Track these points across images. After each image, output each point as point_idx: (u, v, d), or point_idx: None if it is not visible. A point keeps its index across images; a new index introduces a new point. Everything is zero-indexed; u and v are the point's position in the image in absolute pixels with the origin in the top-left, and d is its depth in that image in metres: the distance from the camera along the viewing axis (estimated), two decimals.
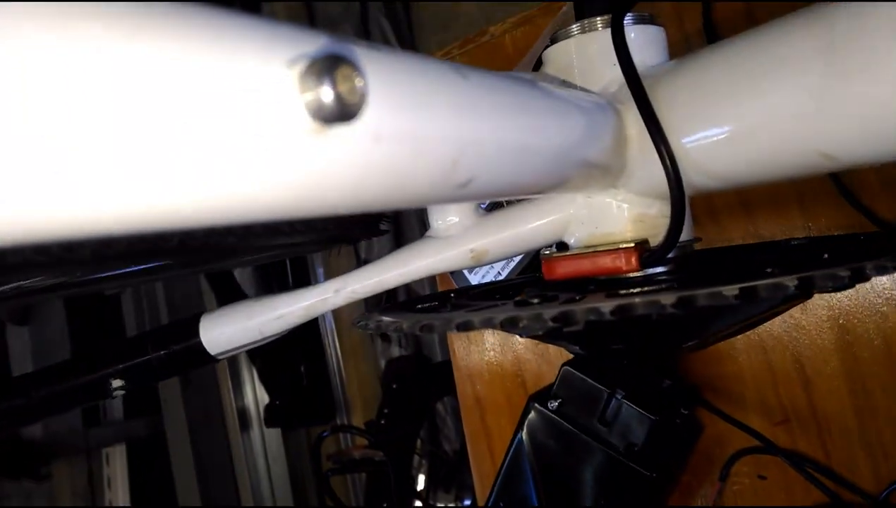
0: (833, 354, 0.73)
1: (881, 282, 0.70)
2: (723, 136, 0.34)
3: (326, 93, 0.17)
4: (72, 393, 0.46)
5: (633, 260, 0.38)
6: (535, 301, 0.35)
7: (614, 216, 0.41)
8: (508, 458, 0.81)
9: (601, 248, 0.40)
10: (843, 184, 0.71)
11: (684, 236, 0.43)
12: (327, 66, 0.17)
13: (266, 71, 0.17)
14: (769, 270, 0.31)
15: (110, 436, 1.98)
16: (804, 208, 0.74)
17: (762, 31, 0.33)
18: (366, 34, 2.05)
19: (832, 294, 0.72)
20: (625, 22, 0.41)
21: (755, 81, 0.32)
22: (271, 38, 0.17)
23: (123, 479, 1.93)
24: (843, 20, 0.28)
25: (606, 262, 0.39)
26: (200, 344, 0.45)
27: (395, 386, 1.76)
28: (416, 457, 1.80)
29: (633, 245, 0.39)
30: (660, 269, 0.42)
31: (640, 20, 0.42)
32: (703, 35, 0.77)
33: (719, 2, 0.77)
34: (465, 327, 0.32)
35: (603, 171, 0.38)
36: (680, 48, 0.66)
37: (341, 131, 0.18)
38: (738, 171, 0.35)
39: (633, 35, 0.41)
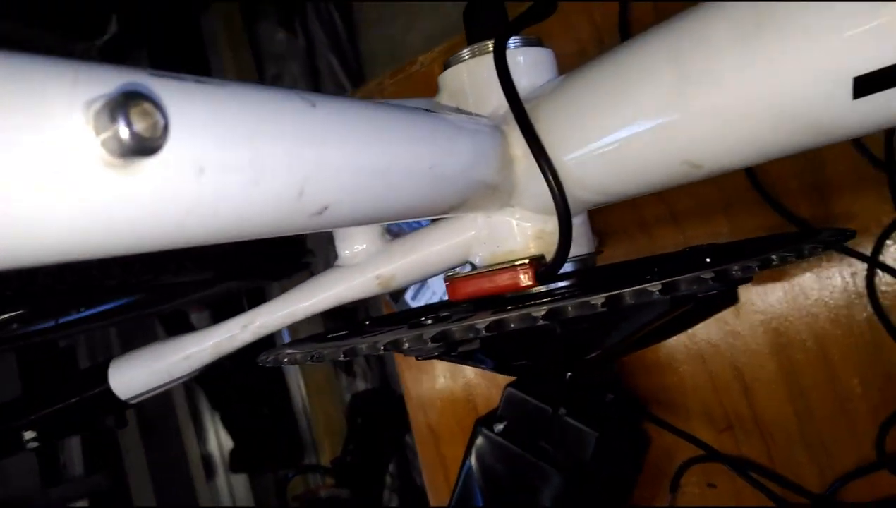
0: (769, 359, 0.74)
1: (810, 285, 0.72)
2: (596, 152, 0.35)
3: (123, 131, 0.17)
4: None
5: (528, 275, 0.39)
6: (429, 322, 0.35)
7: (514, 234, 0.42)
8: (459, 485, 0.81)
9: (499, 266, 0.40)
10: (764, 190, 0.73)
11: (583, 250, 0.43)
12: (121, 104, 0.17)
13: (65, 113, 0.17)
14: (648, 277, 0.32)
15: (71, 493, 1.92)
16: (729, 215, 0.76)
17: (623, 47, 0.33)
18: (313, 69, 2.07)
19: (764, 298, 0.74)
20: (512, 45, 0.42)
21: (616, 96, 0.33)
22: (71, 81, 0.17)
23: None
24: (687, 28, 0.29)
25: (504, 279, 0.39)
26: (110, 390, 0.44)
27: (359, 421, 1.74)
28: (387, 492, 1.78)
29: (527, 261, 0.39)
30: (563, 284, 0.42)
31: (527, 43, 0.43)
32: (619, 35, 0.78)
33: (636, 1, 0.78)
34: (351, 353, 0.32)
35: (493, 191, 0.38)
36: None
37: (149, 165, 0.18)
38: (615, 184, 0.36)
39: (520, 58, 0.42)
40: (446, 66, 0.44)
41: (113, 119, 0.17)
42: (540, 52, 0.43)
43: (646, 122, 0.32)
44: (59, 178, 0.17)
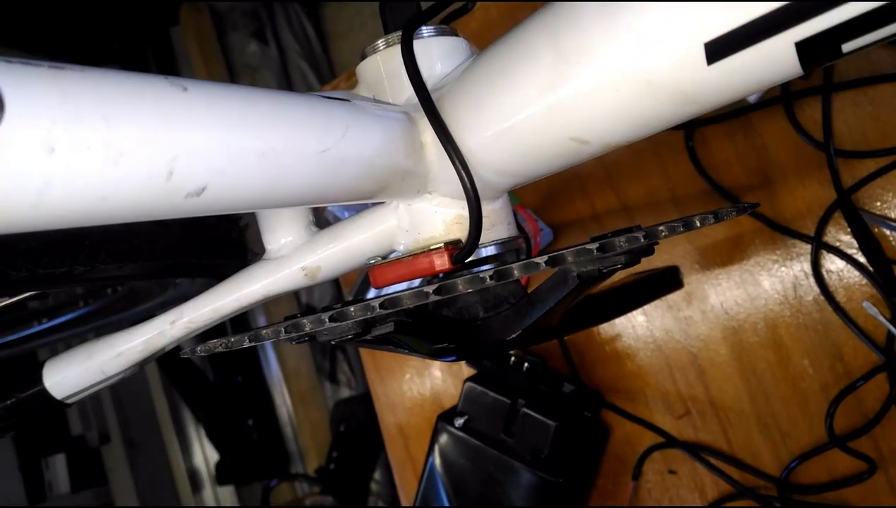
0: (722, 343, 0.75)
1: (758, 269, 0.72)
2: (496, 134, 0.35)
3: None
4: None
5: (444, 259, 0.39)
6: (337, 308, 0.35)
7: (434, 221, 0.42)
8: (423, 481, 0.81)
9: (417, 252, 0.41)
10: (708, 176, 0.74)
11: (503, 233, 0.44)
12: None
13: None
14: (545, 257, 0.33)
15: None
16: (677, 203, 0.77)
17: (510, 32, 0.34)
18: (286, 78, 2.07)
19: (715, 284, 0.74)
20: (424, 35, 0.43)
21: (507, 79, 0.33)
22: None
23: None
24: (560, 8, 0.30)
25: (421, 264, 0.40)
26: (45, 390, 0.45)
27: (342, 429, 1.75)
28: (372, 498, 1.78)
29: (442, 245, 0.40)
30: (487, 267, 0.43)
31: (440, 32, 0.44)
32: None
33: None
34: (255, 338, 0.32)
35: (408, 177, 0.39)
36: None
37: None
38: (517, 165, 0.37)
39: (433, 47, 0.43)
40: (363, 58, 0.44)
41: None
42: (453, 41, 0.43)
43: (534, 102, 0.32)
44: None
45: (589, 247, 0.30)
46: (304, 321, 0.32)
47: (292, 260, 0.44)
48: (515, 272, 0.31)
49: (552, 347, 0.84)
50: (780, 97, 0.70)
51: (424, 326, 0.38)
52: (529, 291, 0.42)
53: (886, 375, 0.67)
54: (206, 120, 0.26)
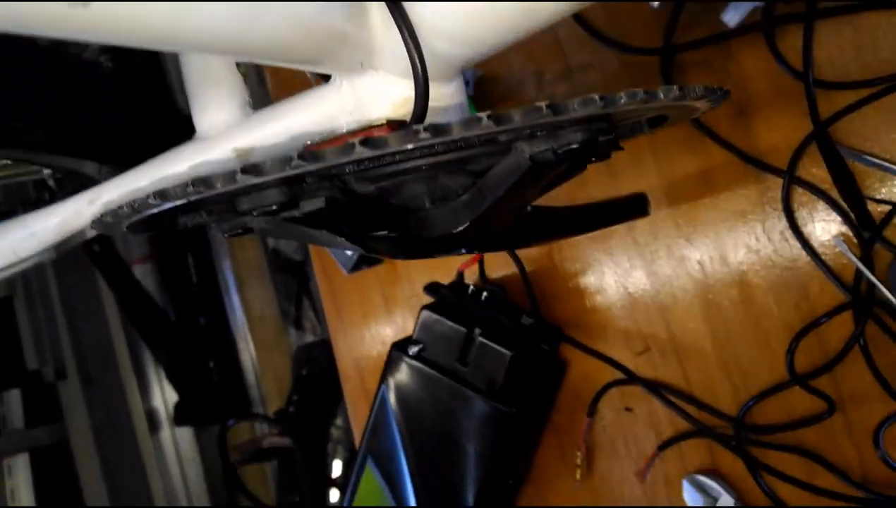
0: (686, 279, 0.73)
1: (727, 200, 0.70)
2: None
3: None
4: None
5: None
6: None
7: (378, 101, 0.39)
8: (374, 410, 0.79)
9: (356, 130, 0.37)
10: None
11: (457, 118, 0.41)
12: None
13: None
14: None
15: (11, 446, 1.88)
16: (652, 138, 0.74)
17: None
18: None
19: (681, 215, 0.72)
20: None
21: None
22: None
23: (28, 490, 1.84)
24: None
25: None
26: None
27: (304, 373, 1.72)
28: (331, 444, 1.76)
29: (384, 123, 0.36)
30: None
31: None
32: None
33: None
34: (161, 196, 0.29)
35: (345, 41, 0.35)
36: None
37: None
38: (477, 28, 0.33)
39: None
40: None
41: None
42: None
43: None
44: None
45: (539, 104, 0.27)
46: (215, 176, 0.28)
47: (223, 140, 0.41)
48: (454, 130, 0.27)
49: (513, 281, 0.81)
50: (761, 23, 0.67)
51: (360, 209, 0.35)
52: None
53: (851, 314, 0.65)
54: None
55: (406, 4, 0.34)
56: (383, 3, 0.35)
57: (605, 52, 0.74)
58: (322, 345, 1.85)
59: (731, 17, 0.67)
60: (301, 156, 0.27)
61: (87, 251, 1.74)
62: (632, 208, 0.66)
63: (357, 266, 0.88)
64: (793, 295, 0.68)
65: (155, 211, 0.31)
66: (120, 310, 2.00)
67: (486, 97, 0.84)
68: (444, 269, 0.87)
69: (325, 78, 0.58)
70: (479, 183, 0.37)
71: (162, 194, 0.29)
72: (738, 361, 0.71)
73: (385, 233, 0.38)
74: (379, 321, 0.95)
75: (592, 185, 0.75)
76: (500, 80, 0.81)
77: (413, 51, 0.34)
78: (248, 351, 2.02)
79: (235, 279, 2.02)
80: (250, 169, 0.27)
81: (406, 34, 0.34)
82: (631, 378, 0.75)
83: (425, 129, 0.27)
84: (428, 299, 0.80)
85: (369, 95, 0.39)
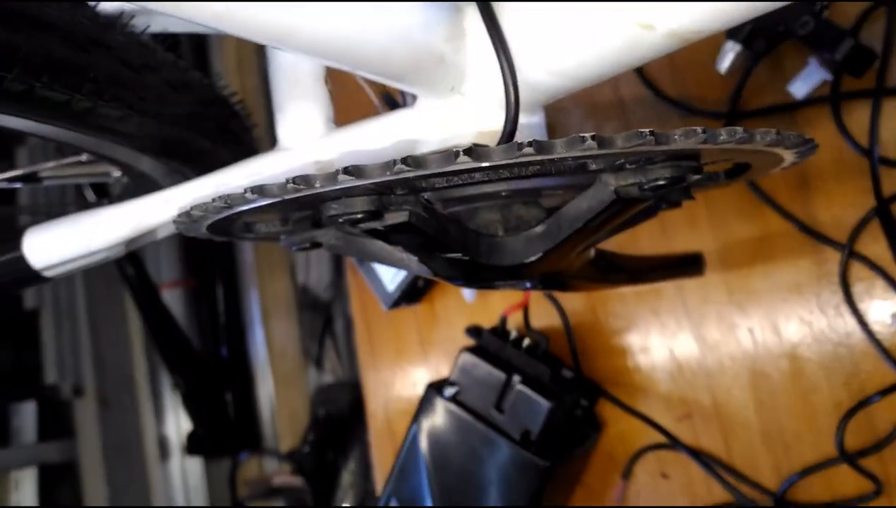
0: (735, 346, 0.72)
1: (782, 269, 0.69)
2: (551, 22, 0.32)
3: None
4: None
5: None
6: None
7: (462, 128, 0.40)
8: (403, 450, 0.77)
9: (440, 152, 0.37)
10: None
11: None
12: None
13: None
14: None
15: (20, 459, 1.86)
16: (709, 209, 0.73)
17: None
18: None
19: (734, 280, 0.71)
20: None
21: None
22: None
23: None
24: None
25: None
26: (23, 257, 0.41)
27: (322, 413, 1.70)
28: (342, 489, 1.73)
29: (471, 146, 0.37)
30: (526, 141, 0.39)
31: None
32: None
33: None
34: (259, 192, 0.29)
35: (441, 63, 0.36)
36: None
37: None
38: (570, 59, 0.34)
39: None
40: None
41: None
42: None
43: None
44: None
45: (642, 130, 0.27)
46: (315, 176, 0.28)
47: (307, 153, 0.41)
48: (557, 147, 0.27)
49: (556, 332, 0.80)
50: (829, 97, 0.67)
51: (440, 228, 0.35)
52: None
53: None
54: None
55: (506, 30, 0.35)
56: (483, 29, 0.35)
57: (668, 112, 0.74)
58: (342, 388, 1.84)
59: (799, 88, 0.68)
60: (404, 161, 0.27)
61: (119, 271, 1.75)
62: (688, 266, 0.66)
63: (397, 302, 0.88)
64: (844, 372, 0.67)
65: (246, 207, 0.32)
66: (144, 333, 2.00)
67: None
68: (484, 315, 0.86)
69: (392, 105, 0.59)
70: (558, 214, 0.37)
71: (260, 190, 0.29)
72: (782, 434, 0.69)
73: (456, 256, 0.38)
74: (412, 361, 0.94)
75: (645, 242, 0.75)
76: (559, 132, 0.82)
77: (508, 76, 0.34)
78: (266, 386, 2.00)
79: (261, 312, 2.02)
80: (353, 171, 0.28)
81: (503, 60, 0.34)
82: (671, 442, 0.73)
83: (529, 144, 0.27)
84: (466, 343, 0.79)
85: (454, 120, 0.40)
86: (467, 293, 0.87)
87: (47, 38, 0.30)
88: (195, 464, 2.02)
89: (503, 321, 0.76)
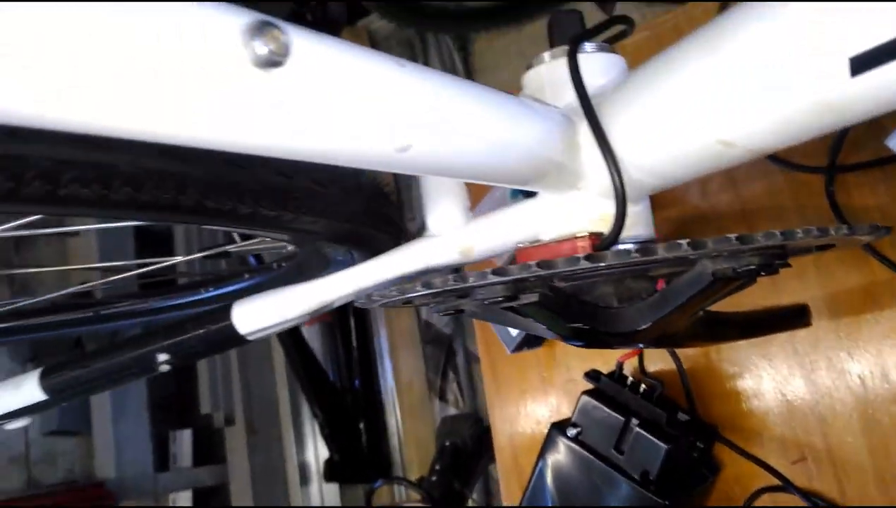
0: (846, 392, 0.75)
1: (891, 309, 0.72)
2: (647, 136, 0.40)
3: (259, 47, 0.25)
4: (124, 366, 0.55)
5: (586, 246, 0.44)
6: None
7: (578, 216, 0.47)
8: (530, 484, 0.85)
9: (561, 238, 0.46)
10: (836, 206, 0.74)
11: (642, 233, 0.48)
12: (259, 29, 0.25)
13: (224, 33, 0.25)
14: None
15: (178, 482, 2.07)
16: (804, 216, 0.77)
17: (672, 46, 0.39)
18: None
19: (843, 328, 0.74)
20: (586, 50, 0.48)
21: (661, 85, 0.38)
22: (234, 12, 0.25)
23: None
24: (724, 19, 0.35)
25: (566, 248, 0.45)
26: (232, 325, 0.53)
27: (447, 444, 1.80)
28: None
29: (587, 234, 0.45)
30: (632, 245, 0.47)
31: (600, 49, 0.49)
32: None
33: None
34: (427, 286, 0.39)
35: (561, 170, 0.44)
36: None
37: (276, 74, 0.26)
38: (664, 165, 0.41)
39: (592, 61, 0.48)
40: (528, 68, 0.51)
41: (254, 36, 0.25)
42: (611, 57, 0.49)
43: (686, 105, 0.37)
44: (217, 76, 0.25)
45: (729, 236, 0.34)
46: (469, 275, 0.37)
47: (451, 239, 0.51)
48: (660, 251, 0.35)
49: (670, 376, 0.86)
50: None
51: (564, 304, 0.43)
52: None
53: None
54: (421, 93, 0.33)
55: (613, 142, 0.43)
56: (592, 141, 0.44)
57: (770, 166, 0.79)
58: (465, 419, 1.93)
59: None
60: (539, 264, 0.36)
61: None
62: (794, 318, 0.70)
63: (519, 347, 0.96)
64: None
65: (416, 295, 0.41)
66: (287, 366, 2.18)
67: (654, 198, 0.91)
68: (600, 357, 0.93)
69: None
70: (665, 289, 0.44)
71: (427, 284, 0.39)
72: None
73: (578, 325, 0.46)
74: (535, 400, 1.01)
75: (756, 292, 0.79)
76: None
77: (617, 181, 0.42)
78: (394, 417, 2.13)
79: (389, 346, 2.15)
80: (499, 271, 0.37)
81: (612, 170, 0.42)
82: (786, 485, 0.77)
83: (636, 250, 0.35)
84: (584, 384, 0.86)
85: (571, 211, 0.48)
86: None
87: (264, 172, 0.41)
88: (332, 489, 2.17)
89: (620, 366, 0.83)
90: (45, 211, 0.34)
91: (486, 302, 0.41)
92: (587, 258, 0.35)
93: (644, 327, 0.45)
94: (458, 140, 0.35)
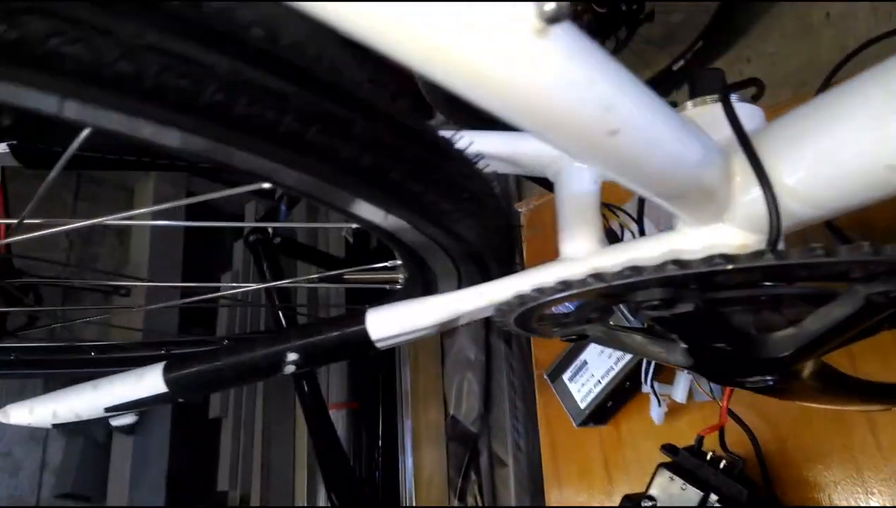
0: None
1: None
2: (809, 167, 0.43)
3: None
4: (251, 364, 0.55)
5: None
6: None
7: (721, 248, 0.50)
8: None
9: None
10: None
11: None
12: None
13: None
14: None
15: None
16: None
17: (836, 87, 0.43)
18: None
19: None
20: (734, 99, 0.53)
21: (828, 119, 0.42)
22: None
23: None
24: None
25: None
26: (365, 330, 0.54)
27: None
28: None
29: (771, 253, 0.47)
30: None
31: (743, 99, 0.53)
32: None
33: None
34: (598, 279, 0.41)
35: (711, 196, 0.47)
36: None
37: (553, 32, 0.29)
38: (824, 193, 0.44)
39: (739, 108, 0.52)
40: None
41: None
42: (753, 107, 0.53)
43: (850, 130, 0.40)
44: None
45: (863, 247, 0.36)
46: (644, 268, 0.40)
47: (585, 263, 0.53)
48: (842, 252, 0.37)
49: (747, 457, 0.85)
50: None
51: (714, 319, 0.45)
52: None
53: None
54: (633, 88, 0.36)
55: (769, 172, 0.46)
56: (748, 169, 0.47)
57: None
58: None
59: None
60: (721, 257, 0.38)
61: (296, 387, 1.92)
62: None
63: (586, 420, 0.96)
64: None
65: (559, 296, 0.43)
66: (308, 449, 2.14)
67: None
68: (669, 437, 0.92)
69: (612, 238, 0.69)
70: (813, 315, 0.46)
71: (599, 278, 0.41)
72: None
73: (722, 345, 0.47)
74: (594, 482, 0.99)
75: (862, 364, 0.80)
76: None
77: (773, 214, 0.45)
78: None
79: (413, 439, 2.11)
80: (680, 263, 0.39)
81: (770, 199, 0.45)
82: None
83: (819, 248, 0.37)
84: (650, 466, 0.85)
85: (713, 243, 0.50)
86: (655, 414, 0.93)
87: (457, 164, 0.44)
88: None
89: (700, 440, 0.82)
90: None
91: (641, 306, 0.43)
92: (775, 254, 0.37)
93: (785, 354, 0.47)
94: (649, 138, 0.38)
